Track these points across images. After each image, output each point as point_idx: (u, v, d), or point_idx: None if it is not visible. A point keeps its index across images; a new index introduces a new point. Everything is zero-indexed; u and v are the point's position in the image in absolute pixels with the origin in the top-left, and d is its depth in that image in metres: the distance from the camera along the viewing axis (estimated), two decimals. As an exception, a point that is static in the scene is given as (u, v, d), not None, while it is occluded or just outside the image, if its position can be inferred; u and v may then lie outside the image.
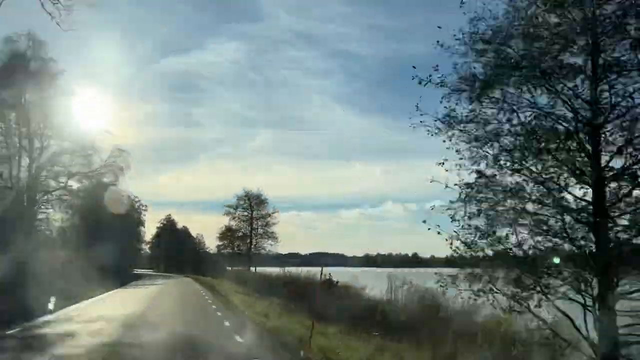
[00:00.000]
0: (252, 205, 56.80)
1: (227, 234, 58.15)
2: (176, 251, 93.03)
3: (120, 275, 44.47)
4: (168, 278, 63.69)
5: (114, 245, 42.33)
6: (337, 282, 26.29)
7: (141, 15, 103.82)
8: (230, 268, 57.44)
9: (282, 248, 61.05)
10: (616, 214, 7.75)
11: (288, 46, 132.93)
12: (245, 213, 57.10)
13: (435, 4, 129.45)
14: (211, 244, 76.82)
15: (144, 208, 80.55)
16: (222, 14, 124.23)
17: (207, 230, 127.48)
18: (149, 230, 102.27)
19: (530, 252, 8.14)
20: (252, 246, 56.92)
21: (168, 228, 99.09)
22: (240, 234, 57.49)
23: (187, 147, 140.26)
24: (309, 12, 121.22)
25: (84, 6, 14.61)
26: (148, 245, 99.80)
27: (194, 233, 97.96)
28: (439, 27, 8.78)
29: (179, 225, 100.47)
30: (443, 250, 9.06)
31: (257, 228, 57.10)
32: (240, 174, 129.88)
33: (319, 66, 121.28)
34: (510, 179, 8.36)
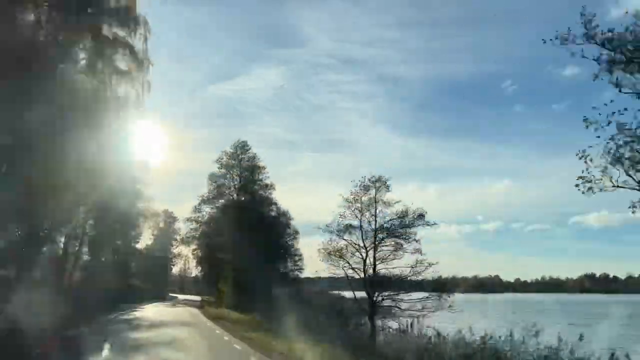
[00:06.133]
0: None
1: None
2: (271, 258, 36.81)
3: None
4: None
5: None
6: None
7: (190, 45, 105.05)
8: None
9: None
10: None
11: (330, 70, 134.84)
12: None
13: (473, 27, 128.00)
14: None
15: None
16: (265, 40, 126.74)
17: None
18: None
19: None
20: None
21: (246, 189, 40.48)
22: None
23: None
24: (349, 37, 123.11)
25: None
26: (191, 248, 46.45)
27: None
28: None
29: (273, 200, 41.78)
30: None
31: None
32: (284, 197, 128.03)
33: (361, 89, 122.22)
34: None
